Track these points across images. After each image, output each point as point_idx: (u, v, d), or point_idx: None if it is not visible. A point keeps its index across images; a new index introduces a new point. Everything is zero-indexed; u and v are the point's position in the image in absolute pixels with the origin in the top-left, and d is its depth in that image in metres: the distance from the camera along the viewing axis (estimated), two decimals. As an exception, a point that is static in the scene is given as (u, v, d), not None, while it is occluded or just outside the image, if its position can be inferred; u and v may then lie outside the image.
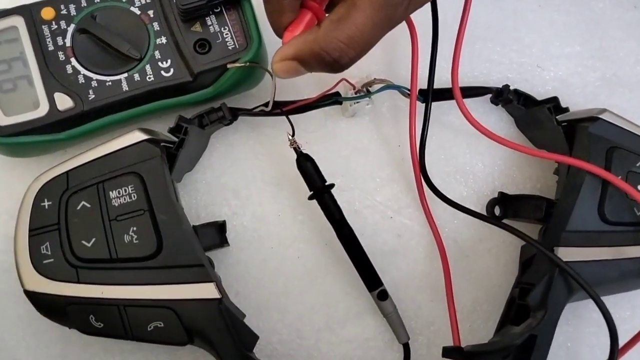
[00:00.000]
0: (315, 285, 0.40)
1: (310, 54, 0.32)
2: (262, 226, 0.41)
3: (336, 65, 0.32)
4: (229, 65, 0.37)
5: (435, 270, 0.40)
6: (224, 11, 0.38)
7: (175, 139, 0.38)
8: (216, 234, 0.39)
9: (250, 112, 0.40)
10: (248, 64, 0.37)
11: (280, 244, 0.41)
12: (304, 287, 0.40)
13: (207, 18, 0.38)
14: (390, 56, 0.44)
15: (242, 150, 0.42)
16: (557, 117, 0.40)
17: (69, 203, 0.34)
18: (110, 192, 0.34)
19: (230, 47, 0.38)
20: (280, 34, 0.35)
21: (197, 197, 0.41)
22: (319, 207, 0.39)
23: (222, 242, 0.39)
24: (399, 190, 0.42)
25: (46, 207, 0.34)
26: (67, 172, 0.35)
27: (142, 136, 0.35)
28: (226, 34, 0.38)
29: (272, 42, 0.38)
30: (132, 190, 0.34)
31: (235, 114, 0.40)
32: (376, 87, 0.40)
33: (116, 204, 0.34)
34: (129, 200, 0.34)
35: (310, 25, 0.34)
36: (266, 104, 0.39)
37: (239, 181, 0.41)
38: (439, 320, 0.40)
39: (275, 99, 0.38)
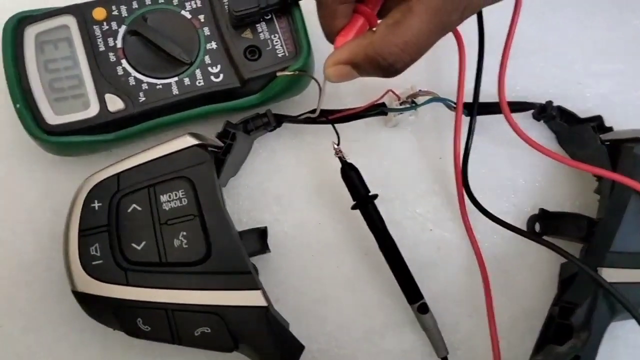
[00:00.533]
0: (354, 295, 0.40)
1: (364, 58, 0.32)
2: (302, 234, 0.41)
3: (391, 69, 0.32)
4: (278, 74, 0.38)
5: (474, 284, 0.40)
6: (275, 18, 0.39)
7: (222, 144, 0.38)
8: (258, 240, 0.39)
9: (295, 120, 0.40)
10: (297, 72, 0.37)
11: (320, 252, 0.41)
12: (343, 296, 0.40)
13: (257, 25, 0.38)
14: (432, 67, 0.44)
15: (284, 156, 0.42)
16: (600, 136, 0.40)
17: (120, 205, 0.34)
18: (161, 196, 0.34)
19: (279, 55, 0.38)
20: (331, 39, 0.35)
21: (240, 202, 0.41)
22: (359, 217, 0.39)
23: (264, 248, 0.39)
24: (439, 203, 0.42)
25: (96, 208, 0.34)
26: (117, 174, 0.35)
27: (192, 141, 0.36)
28: (276, 42, 0.38)
29: (318, 50, 0.38)
30: (182, 194, 0.34)
31: (280, 120, 0.40)
32: (422, 99, 0.40)
33: (167, 208, 0.34)
34: (179, 204, 0.34)
35: (362, 30, 0.35)
36: (312, 112, 0.39)
37: (281, 188, 0.42)
38: (477, 335, 0.40)
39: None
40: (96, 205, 0.34)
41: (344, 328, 0.40)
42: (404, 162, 0.43)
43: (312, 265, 0.40)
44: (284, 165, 0.42)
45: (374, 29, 0.32)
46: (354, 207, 0.39)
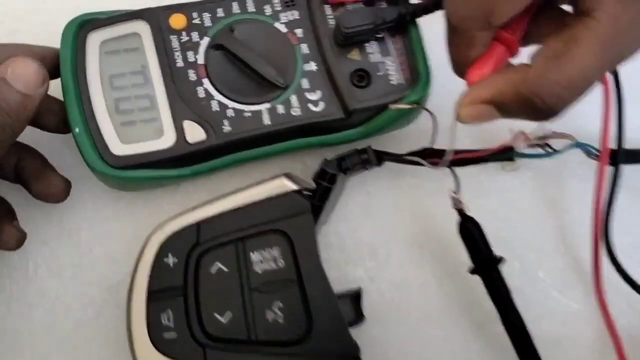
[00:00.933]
0: (465, 376, 0.33)
1: (515, 98, 0.26)
2: (402, 296, 0.34)
3: (548, 112, 0.26)
4: (392, 106, 0.31)
5: (607, 368, 0.33)
6: (388, 37, 0.32)
7: (314, 186, 0.31)
8: (352, 307, 0.32)
9: (401, 159, 0.33)
10: (415, 105, 0.31)
11: (424, 321, 0.34)
12: (452, 376, 0.33)
13: (367, 44, 0.32)
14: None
15: (381, 201, 0.35)
16: None
17: (201, 263, 0.27)
18: (252, 254, 0.27)
19: (393, 82, 0.31)
20: (461, 71, 0.29)
21: (329, 253, 0.34)
22: (473, 279, 0.32)
23: (358, 317, 0.32)
24: (566, 266, 0.35)
25: (171, 264, 0.27)
26: (198, 223, 0.28)
27: (290, 185, 0.29)
28: (389, 66, 0.32)
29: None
30: (278, 253, 0.27)
31: (381, 158, 0.33)
32: (556, 143, 0.34)
33: (259, 270, 0.27)
34: (274, 266, 0.27)
35: (501, 61, 0.28)
36: (423, 151, 0.33)
37: (377, 238, 0.35)
38: None
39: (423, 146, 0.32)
40: (171, 260, 0.27)
41: (453, 416, 0.33)
42: (524, 215, 0.36)
43: (415, 337, 0.34)
44: (380, 211, 0.35)
45: (525, 62, 0.26)
46: (473, 272, 0.32)
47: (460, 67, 0.29)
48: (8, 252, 0.32)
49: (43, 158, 0.31)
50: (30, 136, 0.31)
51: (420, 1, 0.31)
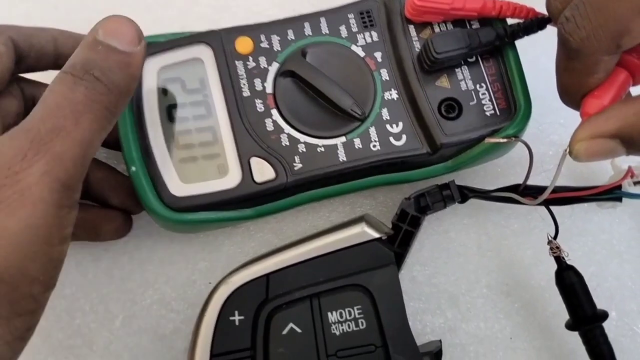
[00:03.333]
0: None
1: None
2: (487, 350, 0.31)
3: None
4: (487, 140, 0.27)
5: None
6: (481, 61, 0.28)
7: (391, 231, 0.28)
8: (432, 364, 0.28)
9: (490, 196, 0.30)
10: (514, 139, 0.27)
11: (512, 380, 0.30)
12: None
13: (457, 69, 0.28)
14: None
15: (462, 241, 0.32)
16: None
17: (271, 322, 0.24)
18: (329, 314, 0.24)
19: (488, 113, 0.28)
20: (574, 101, 0.26)
21: (405, 301, 0.30)
22: (568, 335, 0.29)
23: (439, 376, 0.28)
24: (672, 318, 0.31)
25: (237, 322, 0.24)
26: (267, 275, 0.25)
27: (372, 233, 0.25)
28: (483, 94, 0.28)
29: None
30: (359, 313, 0.24)
31: (466, 195, 0.30)
32: (669, 180, 0.29)
33: (337, 332, 0.24)
34: (354, 328, 0.24)
35: (623, 90, 0.25)
36: (516, 188, 0.29)
37: (458, 284, 0.31)
38: None
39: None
40: (236, 319, 0.24)
41: None
42: (622, 257, 0.32)
43: (502, 397, 0.30)
44: (461, 253, 0.32)
45: None
46: (572, 328, 0.28)
47: (574, 97, 0.26)
48: (56, 298, 0.29)
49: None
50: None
51: (519, 21, 0.27)
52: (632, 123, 0.23)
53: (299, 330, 0.24)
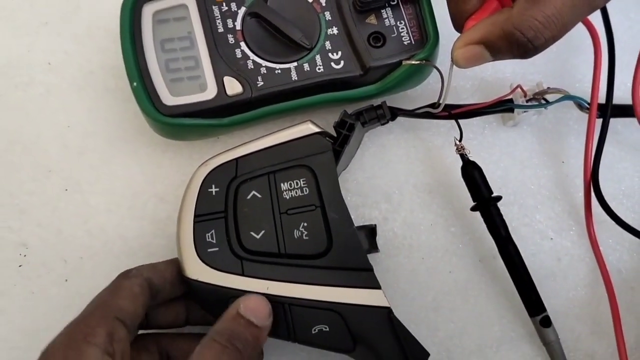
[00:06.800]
0: (467, 304, 0.37)
1: (500, 35, 0.30)
2: (412, 234, 0.39)
3: (529, 46, 0.30)
4: (404, 62, 0.35)
5: (597, 300, 0.37)
6: (401, 4, 0.37)
7: (336, 135, 0.36)
8: (367, 238, 0.37)
9: (411, 113, 0.38)
10: (424, 61, 0.35)
11: (431, 256, 0.38)
12: (455, 304, 0.37)
13: (382, 10, 0.36)
14: (557, 64, 0.41)
15: (395, 152, 0.40)
16: None
17: (239, 191, 0.32)
18: (282, 184, 0.32)
19: (405, 42, 0.36)
20: (460, 25, 0.33)
21: (348, 197, 0.39)
22: (475, 219, 0.37)
23: (373, 247, 0.37)
24: (560, 210, 0.39)
25: (213, 193, 0.32)
26: (236, 159, 0.33)
27: (314, 129, 0.34)
28: (402, 28, 0.36)
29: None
30: (303, 183, 0.32)
31: (395, 113, 0.38)
32: (552, 96, 0.38)
33: (287, 197, 0.32)
34: (300, 194, 0.32)
35: (494, 13, 0.32)
36: (433, 105, 0.37)
37: (391, 185, 0.39)
38: (599, 354, 0.37)
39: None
40: (213, 190, 0.33)
41: (456, 338, 0.37)
42: (524, 165, 0.40)
43: (423, 269, 0.38)
44: (394, 161, 0.40)
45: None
46: (474, 209, 0.36)
47: (459, 22, 0.33)
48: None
49: None
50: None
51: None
52: (490, 30, 0.30)
53: (259, 196, 0.32)
